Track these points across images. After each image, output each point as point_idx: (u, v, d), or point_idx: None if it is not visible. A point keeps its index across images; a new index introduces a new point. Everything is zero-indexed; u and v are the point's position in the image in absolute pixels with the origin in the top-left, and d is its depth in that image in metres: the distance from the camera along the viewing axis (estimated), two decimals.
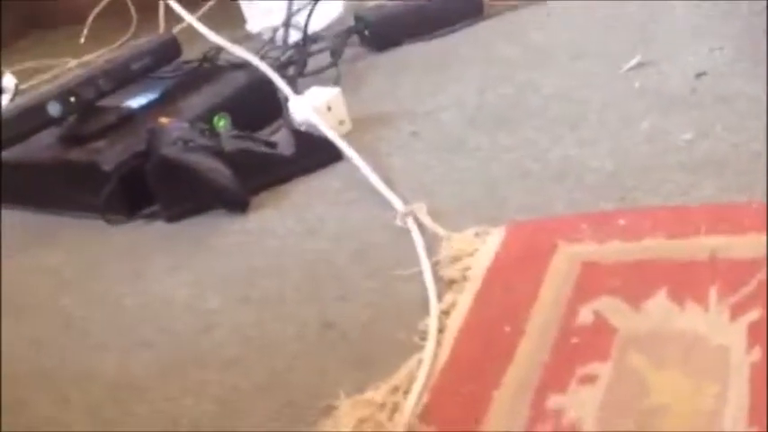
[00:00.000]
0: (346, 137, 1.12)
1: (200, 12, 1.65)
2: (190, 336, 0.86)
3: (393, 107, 1.23)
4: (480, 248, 0.83)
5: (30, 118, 1.14)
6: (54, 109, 1.14)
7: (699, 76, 1.05)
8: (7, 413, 0.81)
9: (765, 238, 0.71)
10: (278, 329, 0.83)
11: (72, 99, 1.16)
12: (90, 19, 1.87)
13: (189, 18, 1.38)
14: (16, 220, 1.19)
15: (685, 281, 0.72)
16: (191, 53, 1.40)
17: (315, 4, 1.44)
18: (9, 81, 1.53)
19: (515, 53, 1.29)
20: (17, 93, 1.51)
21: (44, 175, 1.16)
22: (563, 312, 0.72)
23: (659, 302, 0.71)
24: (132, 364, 0.84)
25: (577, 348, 0.69)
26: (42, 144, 1.17)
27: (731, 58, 1.08)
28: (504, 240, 0.84)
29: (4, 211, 1.19)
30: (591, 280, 0.75)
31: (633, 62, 1.12)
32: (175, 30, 1.59)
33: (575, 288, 0.75)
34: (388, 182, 1.01)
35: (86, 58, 1.71)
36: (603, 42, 1.24)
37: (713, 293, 0.69)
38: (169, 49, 1.33)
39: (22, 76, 1.65)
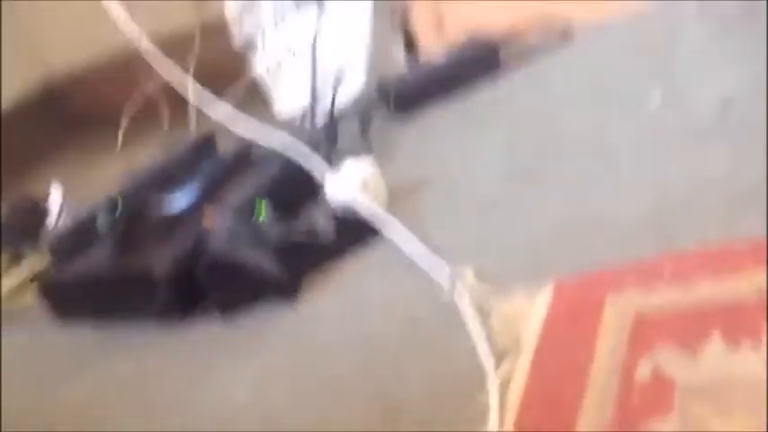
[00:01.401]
0: (385, 208, 1.14)
1: (230, 103, 1.69)
2: None
3: (426, 172, 1.24)
4: (530, 311, 0.84)
5: (81, 234, 1.18)
6: (103, 222, 1.18)
7: (725, 104, 1.05)
8: None
9: None
10: (342, 417, 0.84)
11: (118, 210, 1.20)
12: (124, 123, 1.93)
13: (222, 113, 1.42)
14: (78, 334, 1.22)
15: (737, 320, 0.72)
16: (225, 144, 1.44)
17: (339, 81, 1.47)
18: (56, 194, 1.58)
19: (538, 103, 1.31)
20: (63, 206, 1.55)
21: (100, 288, 1.19)
22: (620, 369, 0.72)
23: (714, 347, 0.71)
24: None
25: (640, 404, 0.69)
26: (95, 258, 1.21)
27: (755, 81, 1.08)
28: (552, 300, 0.84)
29: (67, 328, 1.23)
30: (644, 331, 0.76)
31: (656, 98, 1.13)
32: (206, 124, 1.64)
33: (629, 342, 0.75)
34: (432, 249, 1.02)
35: (126, 161, 1.76)
36: (624, 80, 1.25)
37: (766, 331, 0.69)
38: (206, 147, 1.37)
39: (65, 186, 1.70)
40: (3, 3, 2.03)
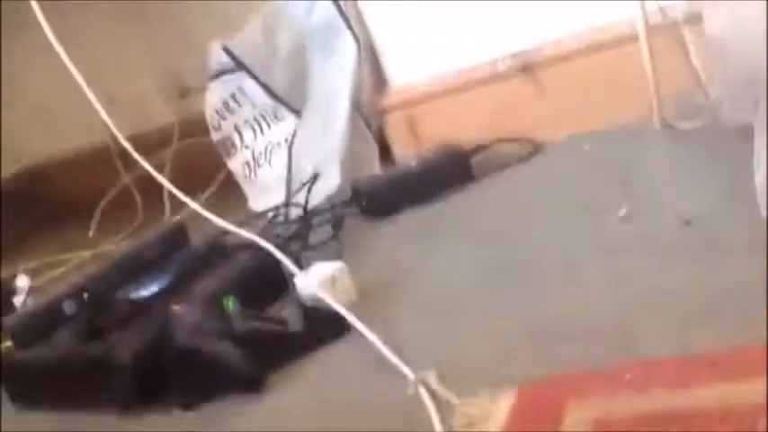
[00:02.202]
0: (352, 308, 1.15)
1: (204, 196, 1.71)
2: None
3: (395, 274, 1.26)
4: (492, 413, 0.85)
5: (45, 318, 1.18)
6: (69, 307, 1.18)
7: (686, 223, 1.09)
8: None
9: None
10: None
11: (85, 295, 1.20)
12: (97, 212, 1.94)
13: (194, 206, 1.44)
14: (37, 421, 1.20)
15: (698, 429, 0.73)
16: (197, 237, 1.45)
17: (313, 180, 1.50)
18: (23, 281, 1.58)
19: (507, 213, 1.34)
20: (30, 292, 1.55)
21: (61, 373, 1.18)
22: None
23: None
24: None
25: None
26: (58, 342, 1.20)
27: (716, 203, 1.12)
28: (515, 403, 0.85)
29: (27, 415, 1.20)
30: None
31: (621, 213, 1.17)
32: (180, 215, 1.65)
33: None
34: (397, 349, 1.03)
35: (96, 250, 1.77)
36: (589, 195, 1.29)
37: None
38: (177, 237, 1.38)
39: (33, 274, 1.70)
40: None
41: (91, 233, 1.90)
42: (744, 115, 1.17)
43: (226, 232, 1.41)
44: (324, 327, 1.12)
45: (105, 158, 1.94)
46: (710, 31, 1.17)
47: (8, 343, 1.26)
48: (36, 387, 1.20)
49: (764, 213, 1.00)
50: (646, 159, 1.34)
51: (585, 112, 1.50)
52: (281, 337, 1.12)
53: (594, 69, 1.49)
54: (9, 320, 1.26)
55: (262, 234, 1.39)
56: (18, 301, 1.51)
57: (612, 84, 1.47)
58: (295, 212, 1.52)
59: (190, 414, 1.07)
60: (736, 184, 1.11)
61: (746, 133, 1.14)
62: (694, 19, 1.32)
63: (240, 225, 1.42)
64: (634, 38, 1.39)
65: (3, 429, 1.17)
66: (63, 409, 1.18)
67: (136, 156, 1.47)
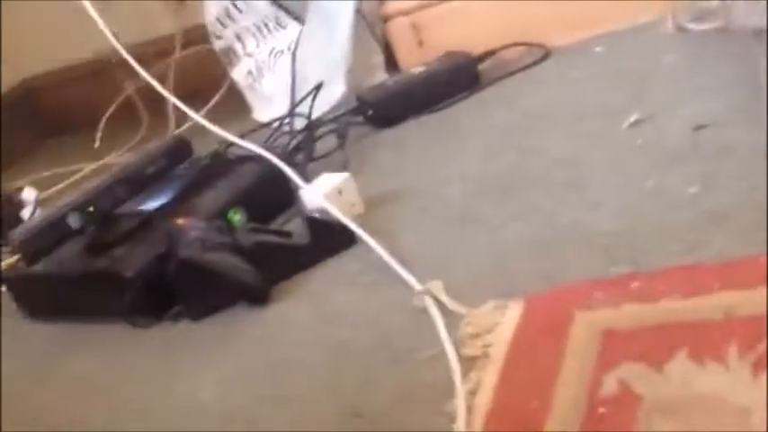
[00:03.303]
0: (359, 219, 1.15)
1: (207, 108, 1.69)
2: None
3: (401, 184, 1.25)
4: (500, 323, 0.85)
5: (51, 231, 1.18)
6: (74, 220, 1.17)
7: (697, 128, 1.07)
8: None
9: None
10: (305, 422, 0.85)
11: (91, 209, 1.20)
12: (102, 123, 1.92)
13: (196, 117, 1.42)
14: (46, 331, 1.21)
15: (704, 340, 0.73)
16: (202, 149, 1.44)
17: (317, 90, 1.48)
18: (29, 193, 1.57)
19: (514, 120, 1.32)
20: (38, 204, 1.55)
21: (69, 286, 1.19)
22: (587, 383, 0.73)
23: (680, 365, 0.72)
24: None
25: (605, 419, 0.69)
26: (65, 255, 1.20)
27: (728, 108, 1.10)
28: (522, 313, 0.85)
29: (36, 326, 1.22)
30: (611, 347, 0.76)
31: (632, 119, 1.15)
32: (185, 127, 1.64)
33: (596, 357, 0.76)
34: (403, 261, 1.02)
35: (101, 162, 1.76)
36: (600, 101, 1.27)
37: (732, 351, 0.70)
38: (180, 150, 1.37)
39: (40, 186, 1.70)
40: None
41: (96, 145, 1.88)
42: (757, 18, 1.13)
43: (230, 143, 1.40)
44: (330, 238, 1.12)
45: (106, 70, 1.91)
46: None
47: (15, 256, 1.27)
48: (44, 300, 1.21)
49: None
50: (658, 63, 1.31)
51: (597, 16, 1.45)
52: (287, 249, 1.12)
53: None
54: (16, 234, 1.26)
55: (266, 146, 1.37)
56: (25, 213, 1.51)
57: None
58: (300, 122, 1.50)
59: (197, 324, 1.08)
60: (749, 87, 1.09)
61: (760, 36, 1.11)
62: None
63: (244, 137, 1.40)
64: None
65: (15, 341, 1.19)
66: (72, 321, 1.19)
67: (137, 66, 1.45)
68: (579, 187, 1.06)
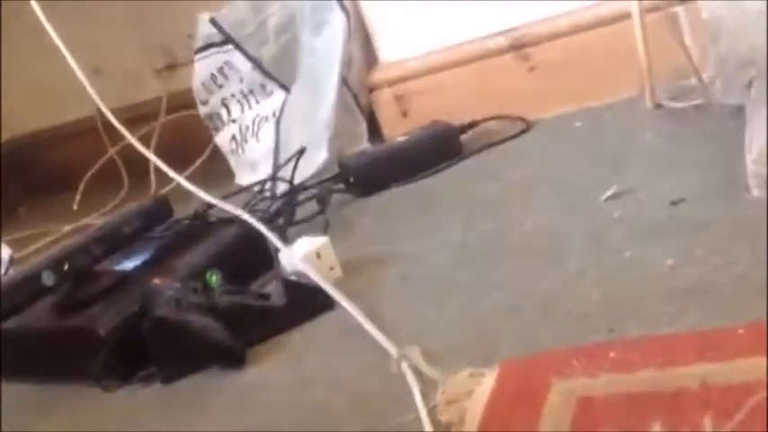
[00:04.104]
0: (337, 284, 1.14)
1: (189, 171, 1.70)
2: None
3: (381, 251, 1.25)
4: (475, 390, 0.84)
5: (25, 289, 1.16)
6: (48, 278, 1.16)
7: (674, 203, 1.08)
8: None
9: (753, 362, 0.72)
10: None
11: (66, 267, 1.18)
12: (82, 184, 1.93)
13: (178, 178, 1.42)
14: (14, 393, 1.19)
15: (679, 411, 0.72)
16: (183, 211, 1.43)
17: (300, 154, 1.49)
18: (4, 252, 1.56)
19: (495, 190, 1.33)
20: (12, 263, 1.53)
21: (40, 344, 1.17)
22: None
23: None
24: None
25: None
26: (38, 313, 1.18)
27: (705, 184, 1.11)
28: (498, 380, 0.84)
29: (7, 386, 1.19)
30: (586, 416, 0.76)
31: (609, 192, 1.16)
32: (166, 189, 1.64)
33: (571, 425, 0.75)
34: (381, 326, 1.02)
35: (80, 223, 1.75)
36: (579, 174, 1.28)
37: (708, 422, 0.70)
38: (160, 210, 1.36)
39: (16, 246, 1.69)
40: None
41: (75, 206, 1.88)
42: (736, 97, 1.16)
43: (210, 206, 1.40)
44: (307, 302, 1.11)
45: (91, 131, 1.93)
46: (707, 10, 1.16)
47: None
48: (14, 359, 1.19)
49: (756, 194, 1.00)
50: (636, 139, 1.33)
51: (577, 91, 1.48)
52: (264, 311, 1.11)
53: (586, 48, 1.48)
54: None
55: (247, 208, 1.37)
56: None
57: (604, 62, 1.46)
58: (281, 187, 1.50)
59: (169, 387, 1.06)
60: (726, 165, 1.11)
61: (738, 115, 1.13)
62: None
63: (225, 199, 1.40)
64: (627, 16, 1.38)
65: None
66: (41, 381, 1.17)
67: (120, 127, 1.46)
68: (558, 257, 1.06)
